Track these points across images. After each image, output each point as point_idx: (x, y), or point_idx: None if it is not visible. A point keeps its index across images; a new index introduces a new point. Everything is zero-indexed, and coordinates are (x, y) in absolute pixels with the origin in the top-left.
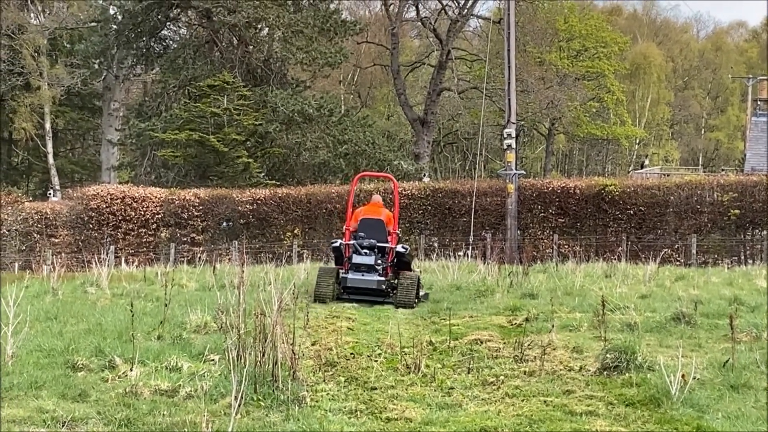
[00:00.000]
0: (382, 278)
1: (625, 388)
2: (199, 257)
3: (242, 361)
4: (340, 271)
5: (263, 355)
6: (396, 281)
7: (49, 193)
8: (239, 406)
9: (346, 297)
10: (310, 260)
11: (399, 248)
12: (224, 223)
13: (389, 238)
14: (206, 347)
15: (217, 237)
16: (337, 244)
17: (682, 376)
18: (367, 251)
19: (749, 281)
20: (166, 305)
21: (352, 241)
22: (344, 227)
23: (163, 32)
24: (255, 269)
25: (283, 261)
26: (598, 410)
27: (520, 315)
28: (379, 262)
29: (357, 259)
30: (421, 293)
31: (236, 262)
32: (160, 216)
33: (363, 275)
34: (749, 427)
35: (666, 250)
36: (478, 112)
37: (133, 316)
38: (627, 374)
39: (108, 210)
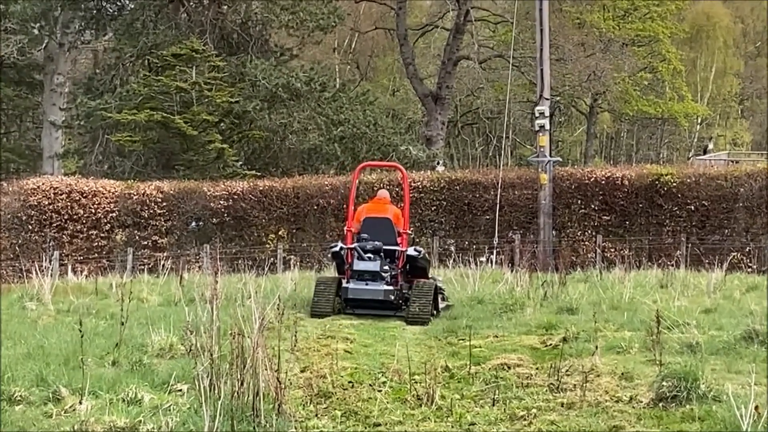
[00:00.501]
0: (391, 287)
1: (685, 423)
2: (163, 265)
3: (216, 391)
4: (342, 280)
5: (242, 384)
6: (409, 291)
7: None
8: None
9: (350, 311)
10: (298, 268)
11: (411, 251)
12: (193, 223)
13: (399, 240)
14: (172, 375)
15: (184, 240)
16: (337, 249)
17: (756, 408)
18: (372, 256)
19: None
20: (122, 324)
21: (354, 245)
22: (345, 228)
23: None
24: (231, 279)
25: (266, 269)
26: None
27: (557, 334)
28: (387, 268)
29: (359, 265)
30: (442, 305)
31: (208, 270)
32: (114, 215)
33: (367, 285)
34: None
35: (735, 254)
36: (503, 86)
37: (82, 337)
38: (687, 406)
39: (51, 207)
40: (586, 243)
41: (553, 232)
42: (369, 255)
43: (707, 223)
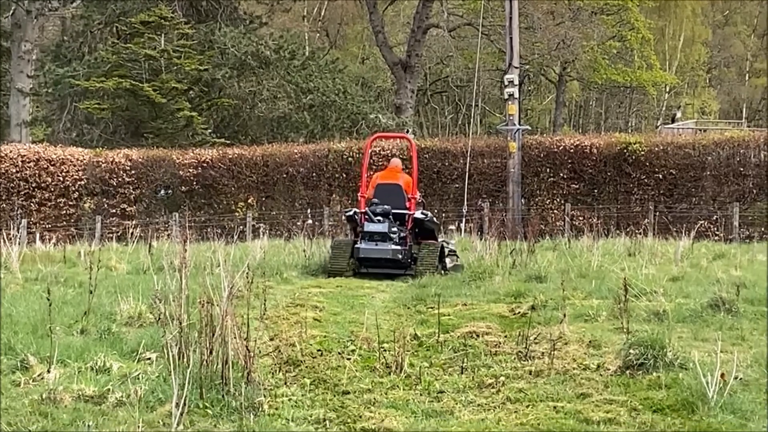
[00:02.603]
0: (398, 247)
1: (652, 391)
2: (132, 233)
3: (185, 360)
4: (356, 242)
5: (210, 352)
6: (417, 252)
7: None
8: (181, 414)
9: (364, 270)
10: (267, 236)
11: (418, 214)
12: (162, 192)
13: (408, 204)
14: (141, 343)
15: (153, 208)
16: (351, 213)
17: (722, 375)
18: (381, 218)
19: None
20: (91, 292)
21: (365, 209)
22: (359, 195)
23: None
24: (200, 247)
25: (235, 237)
26: (619, 418)
27: (525, 302)
28: (395, 229)
29: (369, 227)
30: (450, 265)
31: (177, 238)
32: (83, 183)
33: (377, 245)
34: None
35: (702, 222)
36: (472, 55)
37: (50, 305)
38: (654, 374)
39: (19, 175)
40: (555, 211)
41: (522, 200)
42: (379, 218)
43: (675, 191)
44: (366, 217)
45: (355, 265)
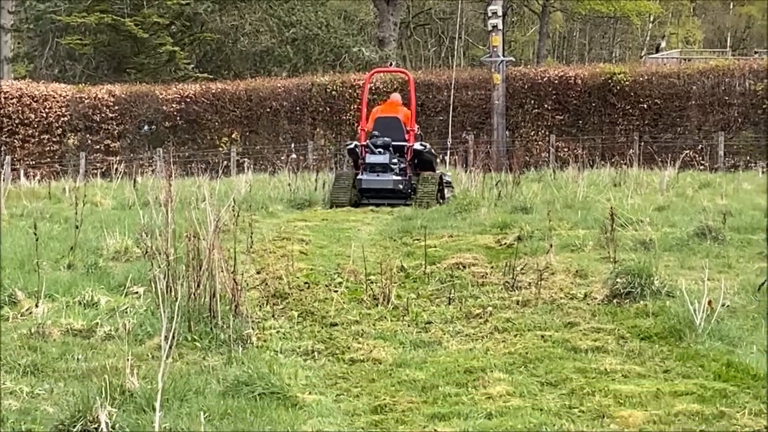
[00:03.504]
0: (399, 178)
1: (639, 319)
2: (116, 169)
3: (172, 293)
4: (358, 174)
5: (198, 286)
6: (417, 183)
7: None
8: (170, 347)
9: (365, 201)
10: (252, 170)
11: (417, 146)
12: (146, 127)
13: (407, 137)
14: (128, 277)
15: (137, 144)
16: (352, 146)
17: (709, 302)
18: (382, 150)
19: None
20: (77, 227)
21: (366, 142)
22: (359, 128)
23: None
24: (185, 182)
25: (220, 172)
26: (606, 346)
27: (511, 233)
28: (395, 161)
29: (371, 159)
30: (448, 195)
31: (162, 174)
32: (66, 119)
33: (378, 176)
34: None
35: (687, 151)
36: None
37: (37, 240)
38: (641, 302)
39: (1, 112)
40: (540, 143)
41: (507, 132)
42: (379, 150)
43: (660, 121)
44: (367, 149)
45: (356, 196)
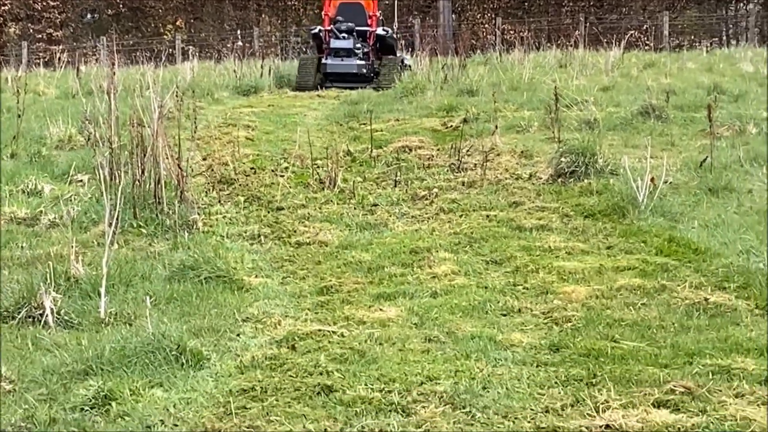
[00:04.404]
0: (363, 62)
1: (583, 197)
2: (59, 58)
3: (117, 181)
4: (322, 58)
5: (142, 173)
6: (379, 66)
7: None
8: (114, 234)
9: (329, 84)
10: (197, 58)
11: (379, 31)
12: (88, 15)
13: (369, 22)
14: (72, 166)
15: (80, 33)
16: (316, 31)
17: (651, 179)
18: (346, 35)
19: (732, 65)
20: (19, 116)
21: (330, 27)
22: (323, 13)
23: None
24: (129, 71)
25: (164, 60)
26: (551, 224)
27: (457, 116)
28: (359, 46)
29: (335, 43)
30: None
31: (105, 62)
32: (6, 8)
33: (342, 60)
34: (730, 236)
35: (632, 32)
36: None
37: None
38: (585, 181)
39: None
40: (486, 26)
41: (453, 15)
42: (343, 35)
43: (605, 2)
44: (331, 34)
45: (320, 79)
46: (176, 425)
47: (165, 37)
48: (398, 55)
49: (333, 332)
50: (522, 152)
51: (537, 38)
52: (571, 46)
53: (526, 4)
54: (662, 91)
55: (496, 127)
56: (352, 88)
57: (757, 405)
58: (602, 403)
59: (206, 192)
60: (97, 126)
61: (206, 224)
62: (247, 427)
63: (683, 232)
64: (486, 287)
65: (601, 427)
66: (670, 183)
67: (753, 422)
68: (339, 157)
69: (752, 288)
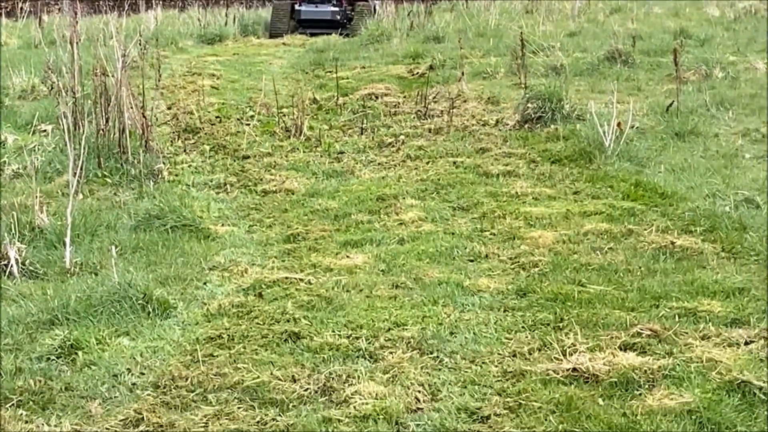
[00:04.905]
0: (337, 9)
1: (550, 143)
2: (21, 8)
3: (81, 130)
4: (295, 5)
5: (107, 122)
6: (352, 12)
7: None
8: (79, 183)
9: (303, 31)
10: (161, 7)
11: None
12: None
13: None
14: (35, 116)
15: None
16: None
17: (618, 124)
18: None
19: (698, 10)
20: None
21: None
22: None
23: None
24: (92, 20)
25: (127, 9)
26: (518, 170)
27: (423, 63)
28: None
29: None
30: None
31: (68, 12)
32: None
33: (317, 6)
34: (696, 180)
35: None
36: None
37: None
38: (552, 126)
39: None
40: None
41: None
42: None
43: None
44: None
45: (294, 26)
46: (143, 373)
47: None
48: (370, 1)
49: (300, 280)
50: (489, 99)
51: None
52: None
53: None
54: (628, 36)
55: (463, 73)
56: (326, 34)
57: (723, 347)
58: (569, 347)
59: (171, 141)
60: (60, 76)
61: (172, 173)
62: (215, 375)
63: (650, 177)
64: (453, 233)
65: (568, 370)
66: (637, 128)
67: (719, 364)
68: (305, 105)
69: (718, 231)
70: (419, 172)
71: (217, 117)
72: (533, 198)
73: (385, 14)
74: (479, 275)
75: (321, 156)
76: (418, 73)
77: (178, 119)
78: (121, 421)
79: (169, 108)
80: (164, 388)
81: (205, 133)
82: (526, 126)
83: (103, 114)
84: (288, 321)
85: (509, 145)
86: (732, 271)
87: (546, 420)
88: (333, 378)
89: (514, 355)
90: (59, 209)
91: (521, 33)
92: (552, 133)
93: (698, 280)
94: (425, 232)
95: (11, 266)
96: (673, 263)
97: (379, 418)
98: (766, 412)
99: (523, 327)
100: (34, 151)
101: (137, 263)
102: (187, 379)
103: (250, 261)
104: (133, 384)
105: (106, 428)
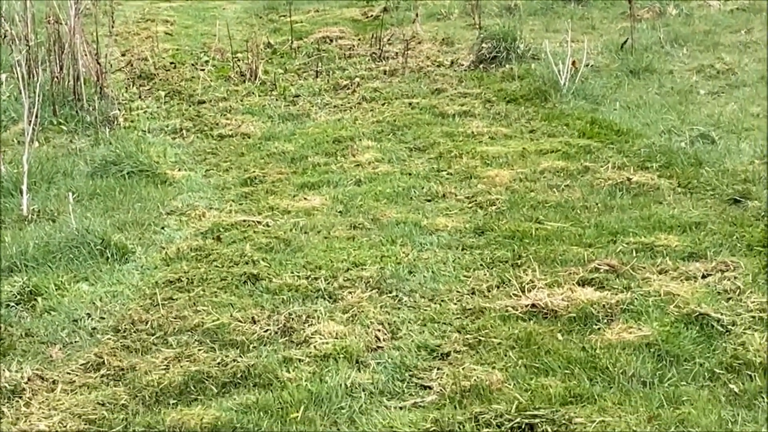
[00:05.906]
0: None
1: (505, 83)
2: None
3: (35, 78)
4: None
5: (61, 69)
6: None
7: None
8: (35, 131)
9: None
10: None
11: None
12: None
13: None
14: None
15: None
16: None
17: (573, 63)
18: None
19: None
20: None
21: None
22: None
23: None
24: None
25: None
26: (474, 110)
27: (377, 5)
28: None
29: None
30: None
31: None
32: None
33: None
34: (652, 117)
35: None
36: None
37: None
38: (507, 66)
39: None
40: None
41: None
42: None
43: None
44: None
45: None
46: (103, 318)
47: None
48: None
49: (258, 222)
50: (443, 40)
51: None
52: None
53: None
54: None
55: (417, 15)
56: None
57: (681, 280)
58: (528, 283)
59: (126, 88)
60: (12, 24)
61: (127, 120)
62: (174, 318)
63: (605, 114)
64: (410, 174)
65: (527, 306)
66: (592, 66)
67: (677, 297)
68: (259, 49)
69: (674, 167)
70: (375, 113)
71: (171, 63)
72: (489, 137)
73: None
74: (437, 215)
75: (276, 100)
76: (372, 15)
77: (132, 66)
78: (82, 365)
79: (123, 55)
80: (124, 332)
81: (160, 79)
82: (481, 66)
83: (57, 62)
84: (247, 263)
85: (464, 85)
86: (688, 205)
87: (506, 356)
88: (293, 318)
89: (473, 293)
90: (15, 157)
91: None
92: (507, 73)
93: (655, 215)
94: (382, 173)
95: None
96: (629, 199)
97: (339, 357)
98: (723, 344)
99: (481, 265)
100: None
101: (95, 209)
102: (147, 323)
103: (208, 205)
104: (93, 328)
105: (67, 373)
